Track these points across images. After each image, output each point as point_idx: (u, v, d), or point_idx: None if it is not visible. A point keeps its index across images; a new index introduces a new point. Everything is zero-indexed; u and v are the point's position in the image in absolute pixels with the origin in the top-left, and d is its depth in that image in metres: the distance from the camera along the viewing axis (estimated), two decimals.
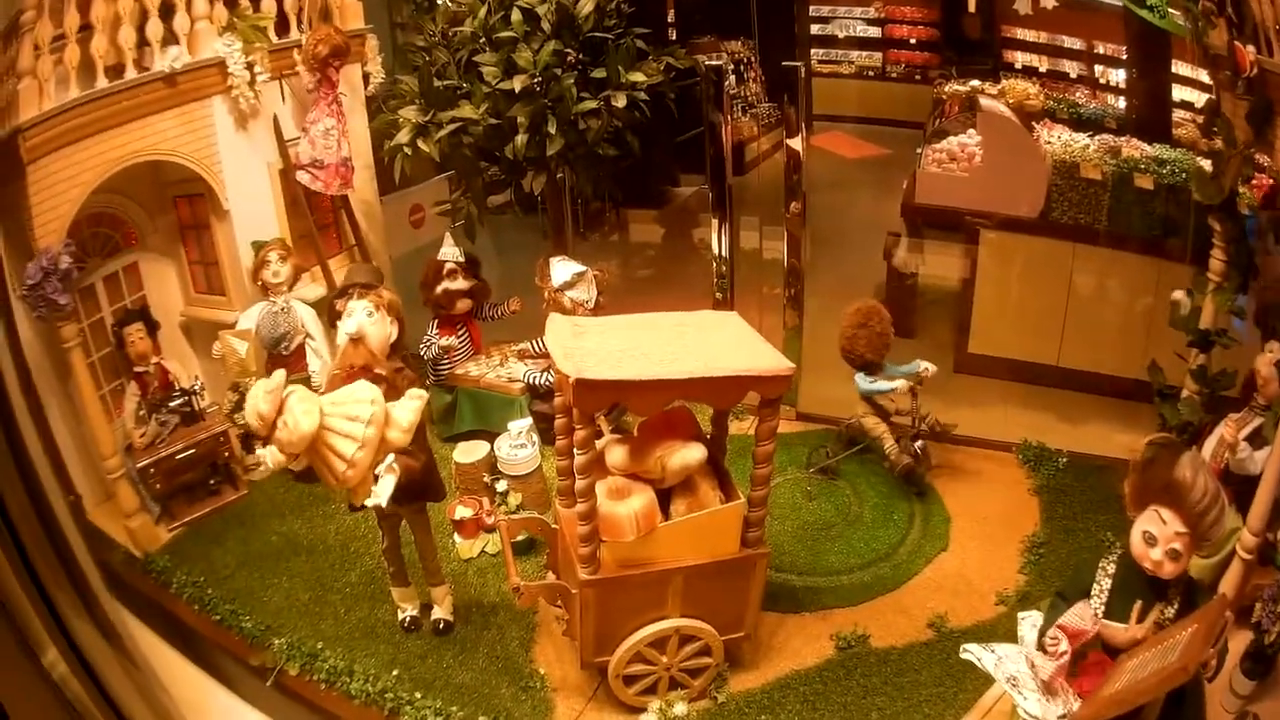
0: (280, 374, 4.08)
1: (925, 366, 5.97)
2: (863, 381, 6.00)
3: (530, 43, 5.85)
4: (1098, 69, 10.23)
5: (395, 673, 4.62)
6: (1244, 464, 5.01)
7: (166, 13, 5.61)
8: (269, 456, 4.07)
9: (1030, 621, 4.00)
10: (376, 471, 4.22)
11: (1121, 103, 9.46)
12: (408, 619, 4.91)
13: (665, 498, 4.33)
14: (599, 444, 4.34)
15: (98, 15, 5.23)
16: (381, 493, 4.20)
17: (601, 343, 4.13)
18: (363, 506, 4.34)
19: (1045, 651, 3.71)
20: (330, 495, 5.77)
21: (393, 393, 4.37)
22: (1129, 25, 8.56)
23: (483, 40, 6.01)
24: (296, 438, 3.95)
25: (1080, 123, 8.55)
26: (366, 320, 4.58)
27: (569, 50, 5.83)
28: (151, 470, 5.61)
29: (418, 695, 4.48)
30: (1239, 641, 4.50)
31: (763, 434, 4.12)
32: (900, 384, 5.92)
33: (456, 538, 5.47)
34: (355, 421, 4.08)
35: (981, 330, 7.44)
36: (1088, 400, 7.07)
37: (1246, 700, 4.50)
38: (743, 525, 4.28)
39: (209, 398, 6.00)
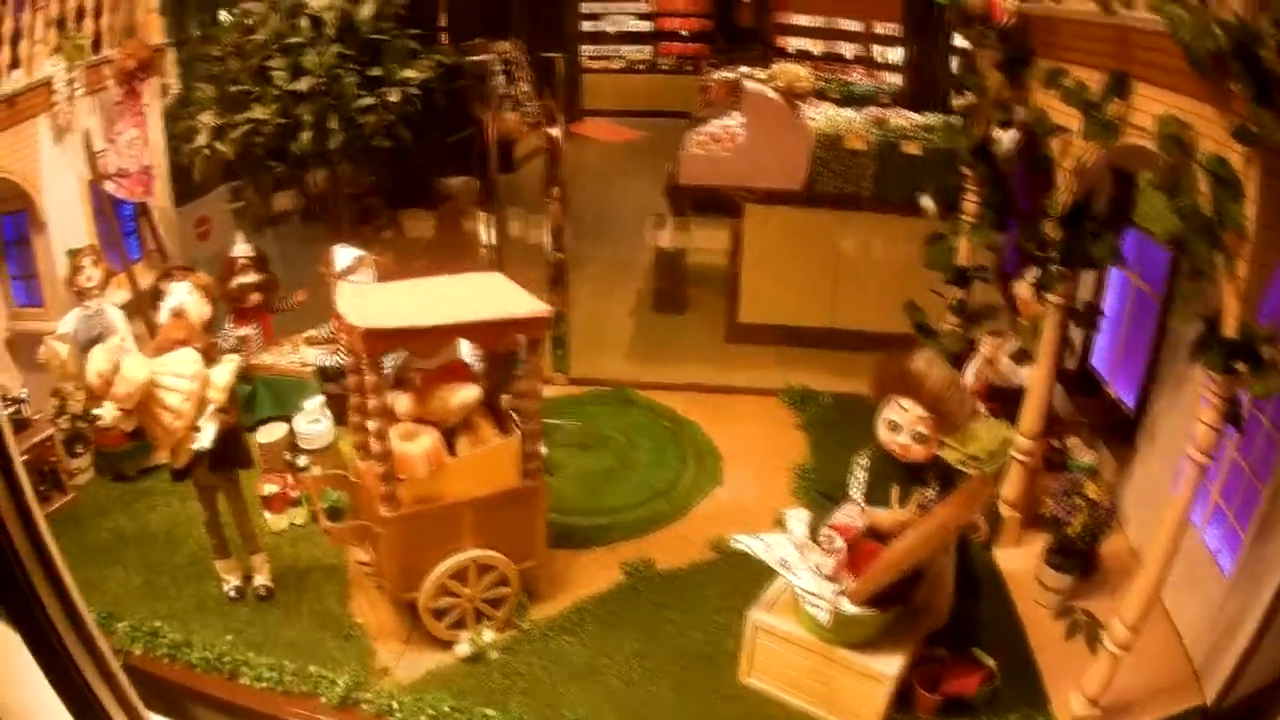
0: (116, 337, 4.51)
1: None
2: None
3: (316, 47, 6.24)
4: (876, 49, 10.93)
5: (229, 638, 4.85)
6: (1008, 377, 5.61)
7: (15, 39, 5.95)
8: (107, 411, 4.45)
9: (796, 517, 4.41)
10: (198, 423, 4.62)
11: (900, 79, 10.14)
12: (233, 589, 5.14)
13: (451, 440, 4.76)
14: (388, 399, 4.74)
15: None
16: (205, 437, 4.62)
17: (384, 302, 4.59)
18: (184, 473, 4.75)
19: (823, 550, 4.11)
20: (151, 489, 5.98)
21: (208, 363, 4.75)
22: (905, 2, 9.13)
23: (274, 46, 6.37)
24: (133, 387, 4.37)
25: (852, 99, 9.10)
26: (187, 298, 5.26)
27: (350, 52, 6.26)
28: None
29: (251, 655, 4.73)
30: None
31: (529, 373, 4.62)
32: None
33: (267, 514, 5.71)
34: (181, 378, 4.53)
35: (751, 300, 7.87)
36: (859, 357, 7.59)
37: (1066, 595, 4.93)
38: (521, 458, 4.71)
39: (33, 406, 6.12)
